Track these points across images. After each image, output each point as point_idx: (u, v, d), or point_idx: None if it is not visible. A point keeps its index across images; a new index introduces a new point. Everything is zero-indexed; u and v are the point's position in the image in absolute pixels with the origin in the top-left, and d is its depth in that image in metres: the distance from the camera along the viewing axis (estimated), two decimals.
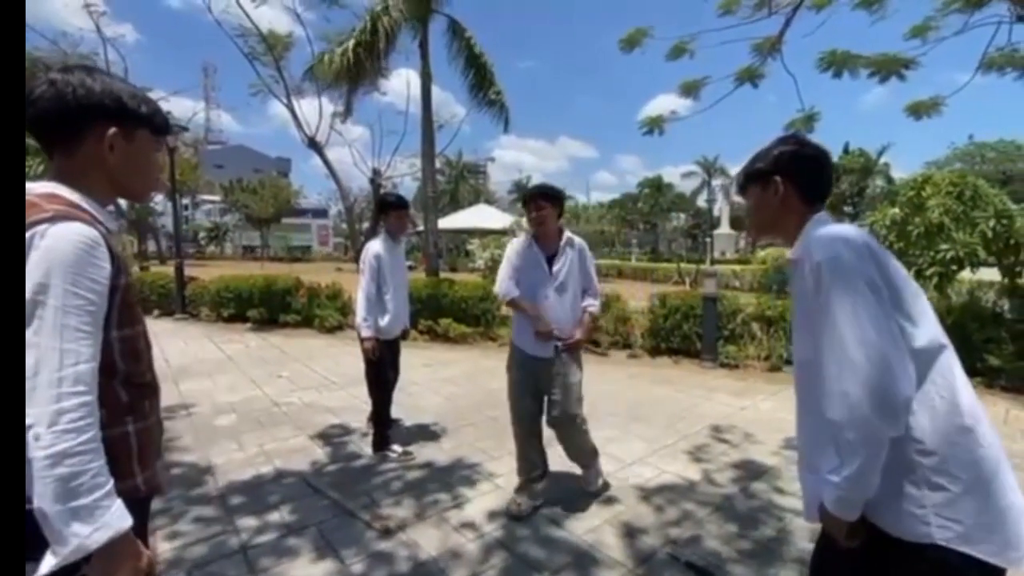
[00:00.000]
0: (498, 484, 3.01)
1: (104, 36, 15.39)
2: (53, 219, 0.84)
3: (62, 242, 0.83)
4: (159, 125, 1.05)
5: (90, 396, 0.84)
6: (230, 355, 6.70)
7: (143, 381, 1.03)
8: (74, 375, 0.82)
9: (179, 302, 9.80)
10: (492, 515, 2.64)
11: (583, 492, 2.93)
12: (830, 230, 1.09)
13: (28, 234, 0.82)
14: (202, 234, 49.20)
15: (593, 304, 2.74)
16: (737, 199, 43.68)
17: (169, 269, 10.97)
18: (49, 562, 0.80)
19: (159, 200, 27.86)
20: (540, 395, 2.69)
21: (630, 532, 2.52)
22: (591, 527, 2.56)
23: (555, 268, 2.59)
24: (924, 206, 6.19)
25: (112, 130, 0.95)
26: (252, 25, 11.86)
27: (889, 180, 35.18)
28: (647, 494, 2.92)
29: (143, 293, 10.44)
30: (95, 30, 15.05)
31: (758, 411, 4.51)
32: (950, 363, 1.04)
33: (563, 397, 2.63)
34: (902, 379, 0.95)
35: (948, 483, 0.97)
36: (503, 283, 2.64)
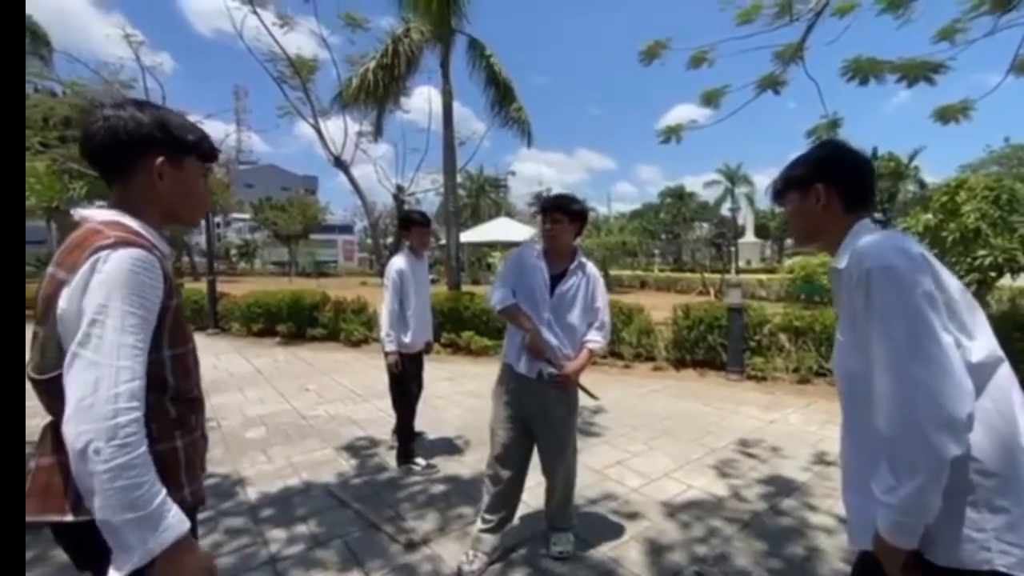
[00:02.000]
0: (522, 499, 3.00)
1: (143, 65, 16.19)
2: (114, 245, 0.91)
3: (122, 266, 0.89)
4: (206, 152, 1.11)
5: (140, 412, 0.88)
6: (259, 369, 6.88)
7: (190, 397, 1.08)
8: (129, 391, 0.86)
9: (211, 317, 10.12)
10: (514, 530, 2.63)
11: (607, 506, 2.90)
12: (882, 238, 1.04)
13: (92, 259, 0.89)
14: (233, 251, 50.81)
15: (597, 341, 2.35)
16: (761, 207, 42.91)
17: (202, 285, 11.35)
18: (119, 571, 0.84)
19: None
20: (528, 429, 2.36)
21: (656, 549, 2.48)
22: (616, 544, 2.52)
23: (559, 290, 2.27)
24: (959, 211, 6.00)
25: (160, 159, 1.01)
26: (281, 50, 12.31)
27: (921, 185, 34.04)
28: (673, 510, 2.87)
29: None
30: (135, 59, 15.86)
31: (787, 425, 4.39)
32: (1008, 377, 0.99)
33: (548, 433, 2.33)
34: (963, 394, 0.90)
35: (1011, 505, 0.92)
36: (498, 291, 2.31)
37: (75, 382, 0.85)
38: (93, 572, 0.98)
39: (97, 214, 0.99)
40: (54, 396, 0.89)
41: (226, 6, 12.11)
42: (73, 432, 0.82)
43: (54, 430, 0.95)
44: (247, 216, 48.08)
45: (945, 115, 4.56)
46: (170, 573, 0.89)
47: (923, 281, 0.95)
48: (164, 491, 0.89)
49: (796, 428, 4.29)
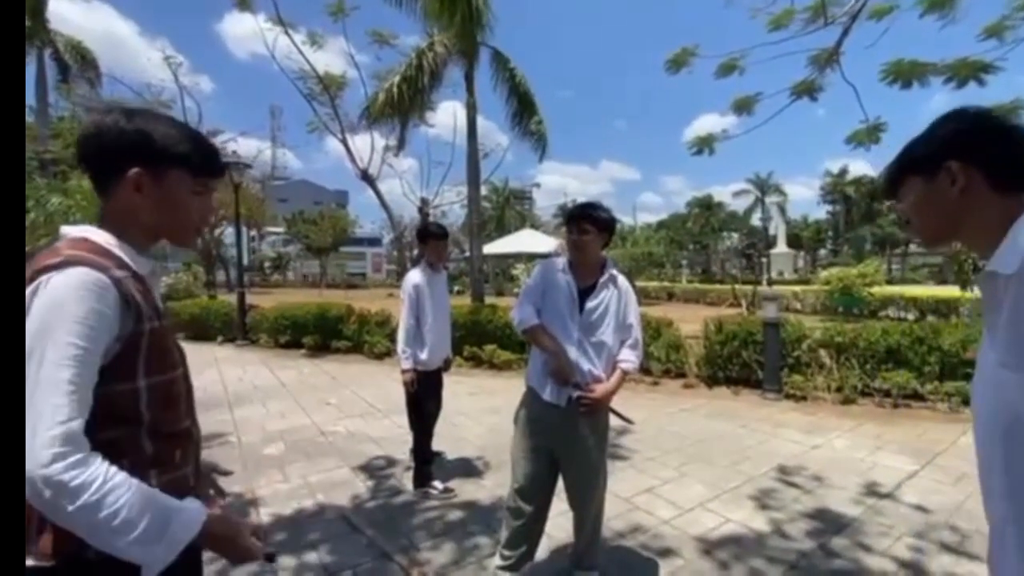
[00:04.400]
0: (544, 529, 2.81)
1: (181, 85, 16.94)
2: (61, 265, 0.81)
3: (64, 290, 0.79)
4: (198, 166, 0.99)
5: (82, 453, 0.78)
6: (283, 381, 6.89)
7: (175, 430, 0.97)
8: (65, 434, 0.76)
9: (240, 329, 10.29)
10: (535, 566, 2.44)
11: (636, 540, 2.68)
12: None
13: (36, 281, 0.80)
14: (267, 263, 52.29)
15: (630, 361, 2.16)
16: (793, 216, 41.67)
17: (234, 297, 11.60)
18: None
19: (228, 232, 29.93)
20: (554, 460, 2.17)
21: None
22: None
23: (588, 305, 2.09)
24: None
25: (135, 171, 0.91)
26: (310, 68, 12.64)
27: None
28: (709, 547, 2.63)
29: (208, 320, 11.06)
30: (174, 80, 16.59)
31: (833, 450, 4.07)
32: None
33: (576, 465, 2.14)
34: None
35: None
36: (521, 308, 2.14)
37: None
38: None
39: (70, 231, 0.91)
40: None
41: (260, 28, 12.55)
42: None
43: None
44: (281, 230, 49.49)
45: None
46: (217, 550, 0.92)
47: None
48: (154, 503, 0.82)
49: (842, 454, 3.96)
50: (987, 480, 0.86)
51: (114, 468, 0.80)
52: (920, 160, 0.93)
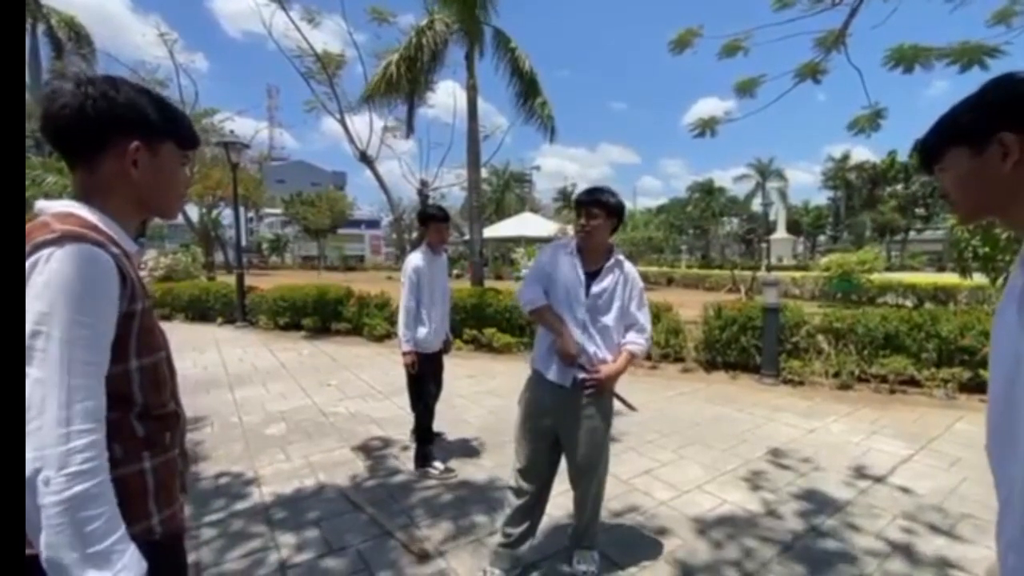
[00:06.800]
0: (545, 509, 2.85)
1: (176, 62, 16.65)
2: (60, 240, 0.78)
3: (68, 266, 0.77)
4: (185, 137, 1.00)
5: (99, 434, 0.78)
6: (284, 363, 6.92)
7: (164, 412, 0.96)
8: (83, 412, 0.75)
9: (240, 311, 10.29)
10: (533, 545, 2.48)
11: (634, 520, 2.73)
12: None
13: (33, 257, 0.76)
14: (265, 245, 52.06)
15: (637, 343, 2.16)
16: (794, 202, 41.45)
17: (234, 279, 11.57)
18: None
19: (227, 214, 29.75)
20: (557, 441, 2.19)
21: (688, 572, 2.30)
22: (644, 564, 2.35)
23: (594, 289, 2.10)
24: None
25: (135, 144, 0.90)
26: (308, 46, 12.42)
27: None
28: (705, 527, 2.68)
29: (207, 302, 11.06)
30: (169, 57, 16.30)
31: (828, 434, 4.11)
32: None
33: (579, 446, 2.13)
34: None
35: None
36: (528, 289, 2.16)
37: None
38: None
39: (51, 205, 0.87)
40: None
41: (255, 3, 12.26)
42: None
43: None
44: (278, 211, 49.14)
45: None
46: None
47: None
48: (123, 527, 0.79)
49: (838, 439, 4.01)
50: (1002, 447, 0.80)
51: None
52: (967, 129, 0.83)
